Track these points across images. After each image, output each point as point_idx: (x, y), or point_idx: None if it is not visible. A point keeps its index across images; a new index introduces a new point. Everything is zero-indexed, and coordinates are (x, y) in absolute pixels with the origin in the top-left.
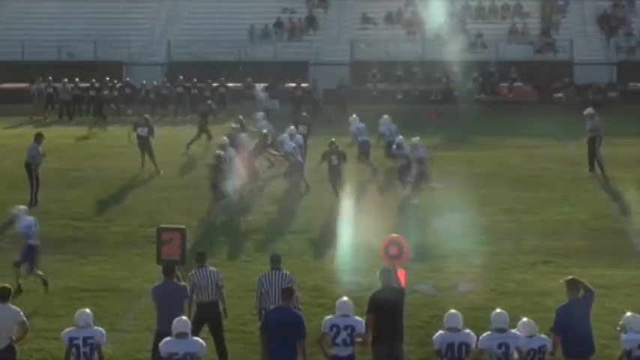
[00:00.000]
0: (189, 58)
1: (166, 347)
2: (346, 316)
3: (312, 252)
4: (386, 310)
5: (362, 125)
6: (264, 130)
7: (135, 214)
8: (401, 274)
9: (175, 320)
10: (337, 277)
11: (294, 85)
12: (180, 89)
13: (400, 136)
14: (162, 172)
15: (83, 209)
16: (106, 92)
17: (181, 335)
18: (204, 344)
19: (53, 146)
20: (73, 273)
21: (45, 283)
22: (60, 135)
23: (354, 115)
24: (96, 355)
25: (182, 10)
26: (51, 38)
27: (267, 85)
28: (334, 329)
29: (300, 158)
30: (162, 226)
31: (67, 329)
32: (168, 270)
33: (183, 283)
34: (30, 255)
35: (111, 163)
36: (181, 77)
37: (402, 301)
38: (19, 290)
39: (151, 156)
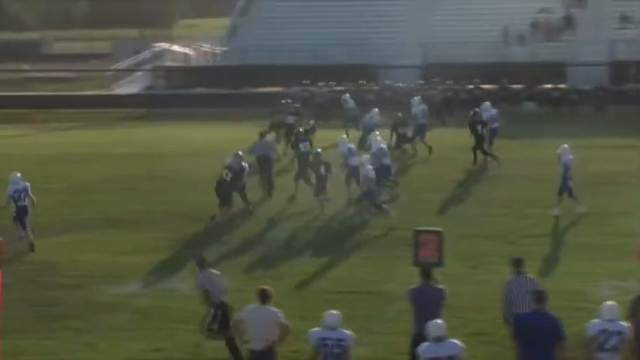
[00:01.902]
0: (443, 60)
1: (426, 352)
2: (613, 320)
3: (564, 256)
4: None
5: (421, 108)
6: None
7: (389, 217)
8: None
9: (432, 324)
10: (596, 281)
11: (551, 86)
12: (433, 92)
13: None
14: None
15: (331, 211)
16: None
17: (439, 339)
18: (463, 346)
19: None
20: (325, 275)
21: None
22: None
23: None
24: (346, 358)
25: (435, 13)
26: (305, 42)
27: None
28: (603, 334)
29: (353, 162)
30: (419, 228)
31: (315, 329)
32: (426, 272)
33: (440, 286)
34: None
35: None
36: (433, 80)
37: None
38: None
39: (287, 142)
